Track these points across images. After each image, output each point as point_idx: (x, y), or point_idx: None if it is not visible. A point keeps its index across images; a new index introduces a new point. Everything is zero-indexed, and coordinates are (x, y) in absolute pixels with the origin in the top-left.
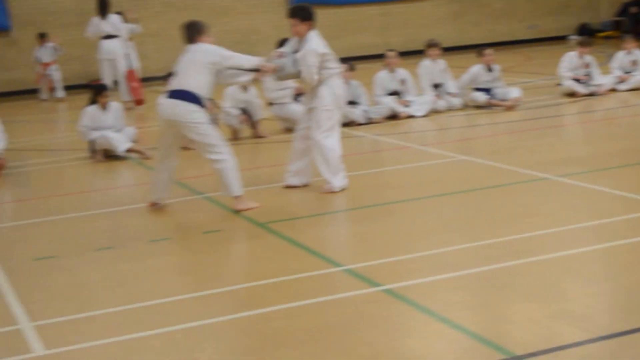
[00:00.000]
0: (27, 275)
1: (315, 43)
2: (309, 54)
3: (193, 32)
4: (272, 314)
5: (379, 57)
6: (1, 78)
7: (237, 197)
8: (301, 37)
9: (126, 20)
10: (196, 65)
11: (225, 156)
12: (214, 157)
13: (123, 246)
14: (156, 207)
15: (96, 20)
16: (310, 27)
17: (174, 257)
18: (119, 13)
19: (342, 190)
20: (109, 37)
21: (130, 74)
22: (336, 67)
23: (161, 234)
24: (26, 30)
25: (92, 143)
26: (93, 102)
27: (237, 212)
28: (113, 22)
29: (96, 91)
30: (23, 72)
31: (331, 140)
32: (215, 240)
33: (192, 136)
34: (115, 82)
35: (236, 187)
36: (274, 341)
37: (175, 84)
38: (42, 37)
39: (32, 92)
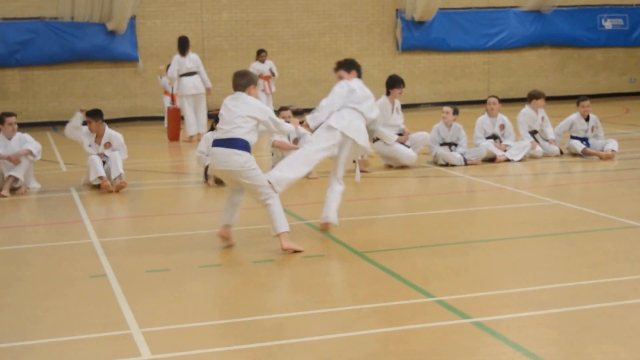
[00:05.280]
0: (138, 285)
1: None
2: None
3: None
4: (363, 338)
5: (481, 102)
6: (127, 105)
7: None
8: None
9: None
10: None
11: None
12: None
13: (229, 264)
14: None
15: (177, 57)
16: (355, 76)
17: (275, 277)
18: (261, 52)
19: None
20: (190, 74)
21: None
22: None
23: (265, 256)
24: (152, 62)
25: (206, 168)
26: (212, 129)
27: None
28: (193, 59)
29: (215, 119)
30: (146, 100)
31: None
32: (314, 264)
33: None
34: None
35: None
36: None
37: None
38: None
39: (153, 119)
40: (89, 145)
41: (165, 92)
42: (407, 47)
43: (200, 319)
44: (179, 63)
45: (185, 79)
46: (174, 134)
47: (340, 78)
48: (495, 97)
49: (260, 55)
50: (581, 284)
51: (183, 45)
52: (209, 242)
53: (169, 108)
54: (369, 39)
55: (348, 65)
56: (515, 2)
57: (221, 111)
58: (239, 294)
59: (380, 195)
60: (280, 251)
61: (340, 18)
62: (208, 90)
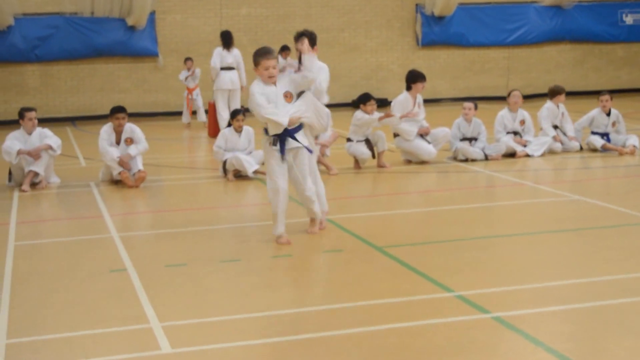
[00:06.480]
0: (158, 279)
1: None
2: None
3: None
4: (385, 332)
5: (501, 98)
6: (147, 100)
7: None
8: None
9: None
10: None
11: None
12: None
13: (247, 259)
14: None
15: (219, 50)
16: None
17: (295, 272)
18: (285, 48)
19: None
20: (229, 68)
21: None
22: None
23: (284, 251)
24: (171, 57)
25: (224, 163)
26: (229, 125)
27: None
28: (235, 54)
29: (231, 115)
30: (166, 95)
31: None
32: (334, 259)
33: None
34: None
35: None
36: (386, 358)
37: None
38: (187, 63)
39: (173, 114)
40: (109, 149)
41: (188, 89)
42: (427, 42)
43: (219, 314)
44: (221, 55)
45: (223, 73)
46: (214, 130)
47: (301, 50)
48: (517, 90)
49: (284, 52)
50: (601, 279)
51: (227, 39)
52: (228, 236)
53: (210, 104)
54: (389, 34)
55: (314, 40)
56: None
57: None
58: (259, 288)
59: (399, 191)
60: (299, 247)
61: (360, 13)
62: (242, 88)
